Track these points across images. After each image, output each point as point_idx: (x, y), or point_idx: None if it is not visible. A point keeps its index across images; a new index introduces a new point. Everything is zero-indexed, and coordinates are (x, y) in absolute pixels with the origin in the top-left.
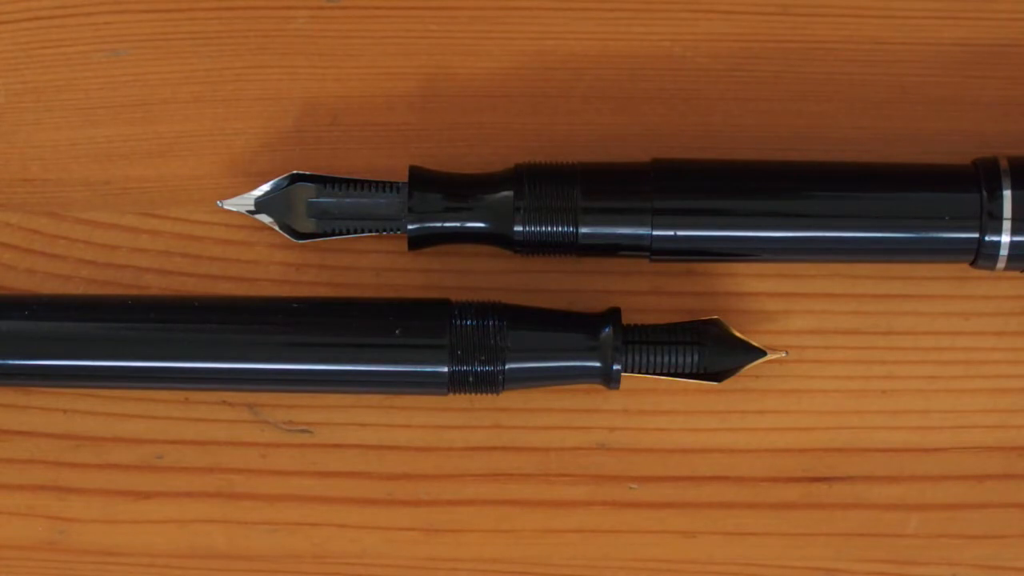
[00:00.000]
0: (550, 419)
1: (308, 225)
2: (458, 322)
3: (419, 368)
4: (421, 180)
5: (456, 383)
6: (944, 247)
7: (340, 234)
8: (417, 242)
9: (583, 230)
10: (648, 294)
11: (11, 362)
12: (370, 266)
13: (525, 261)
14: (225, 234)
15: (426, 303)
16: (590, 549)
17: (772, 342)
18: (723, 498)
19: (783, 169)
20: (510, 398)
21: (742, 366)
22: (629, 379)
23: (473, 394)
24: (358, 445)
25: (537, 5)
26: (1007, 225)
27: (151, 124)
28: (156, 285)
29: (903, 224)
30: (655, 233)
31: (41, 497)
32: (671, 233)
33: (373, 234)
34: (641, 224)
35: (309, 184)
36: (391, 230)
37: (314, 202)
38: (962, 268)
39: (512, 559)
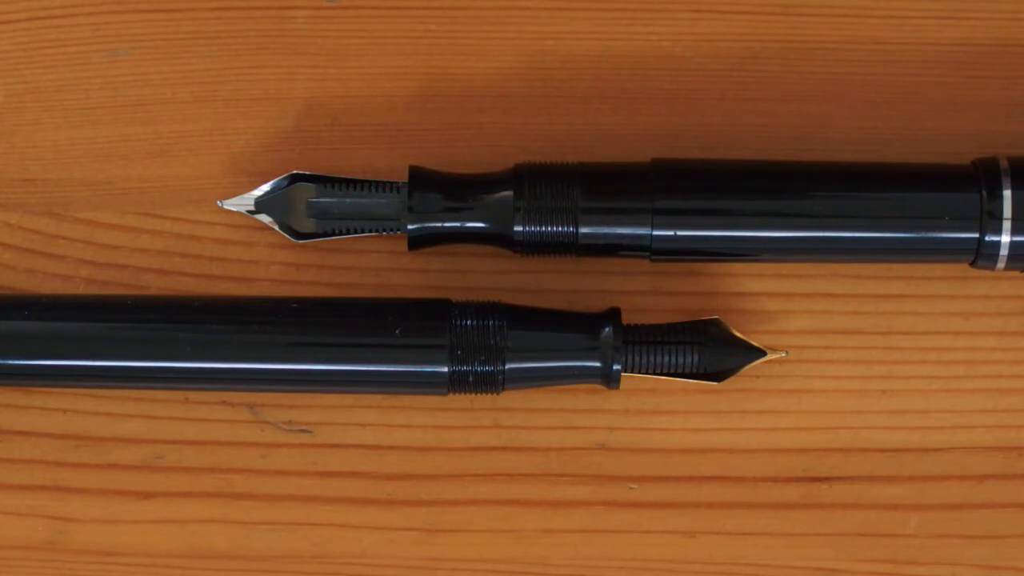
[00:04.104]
0: (550, 419)
1: (308, 225)
2: (458, 322)
3: (419, 368)
4: (421, 180)
5: (456, 383)
6: (944, 247)
7: (340, 234)
8: (417, 242)
9: (583, 230)
10: (648, 294)
11: (11, 362)
12: (370, 266)
13: (525, 261)
14: (225, 234)
15: (426, 303)
16: (590, 549)
17: (772, 342)
18: (723, 498)
19: (783, 169)
20: (510, 398)
21: (742, 366)
22: (629, 379)
23: (473, 394)
24: (358, 445)
25: (537, 5)
26: (1007, 225)
27: (151, 124)
28: (156, 285)
29: (903, 224)
30: (655, 233)
31: (41, 497)
32: (671, 233)
33: (373, 234)
34: (641, 224)
35: (309, 184)
36: (391, 230)
37: (314, 202)
38: (962, 268)
39: (512, 559)
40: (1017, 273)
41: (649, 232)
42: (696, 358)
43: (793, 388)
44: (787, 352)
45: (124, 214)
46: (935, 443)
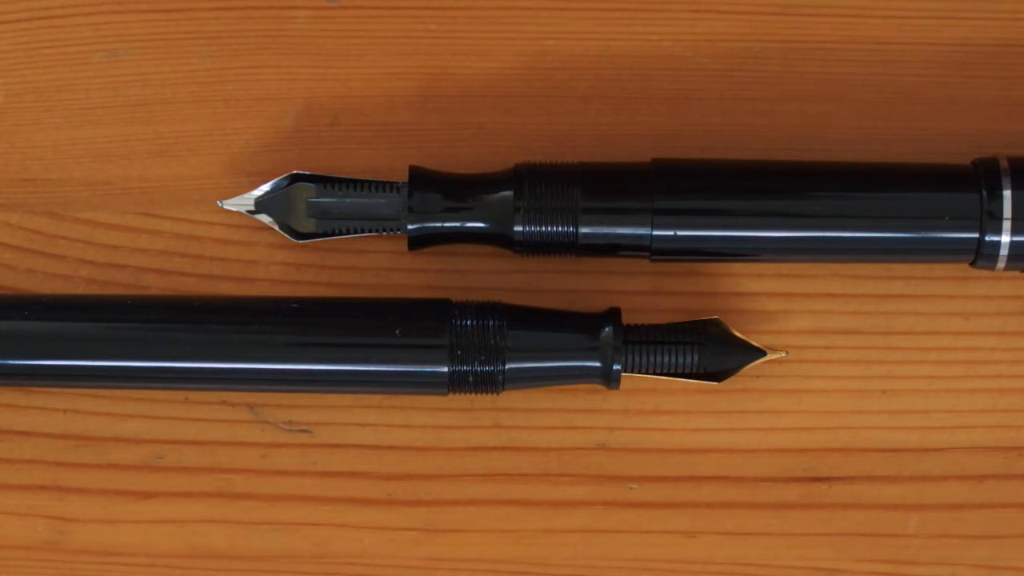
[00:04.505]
0: (550, 419)
1: (308, 225)
2: (458, 322)
3: (419, 368)
4: (421, 180)
5: (456, 383)
6: (944, 247)
7: (340, 234)
8: (417, 242)
9: (583, 230)
10: (648, 294)
11: (11, 362)
12: (370, 266)
13: (525, 261)
14: (225, 234)
15: (426, 303)
16: (590, 549)
17: (772, 342)
18: (723, 498)
19: (783, 169)
20: (510, 398)
21: (742, 366)
22: (629, 379)
23: (473, 394)
24: (358, 445)
25: (537, 5)
26: (1007, 225)
27: (151, 124)
28: (156, 285)
29: (903, 224)
30: (655, 233)
31: (41, 497)
32: (671, 233)
33: (373, 234)
34: (641, 224)
35: (309, 184)
36: (391, 230)
37: (314, 202)
38: (962, 268)
39: (512, 559)
40: (1017, 273)
41: (649, 232)
42: (696, 358)
43: (793, 388)
44: (787, 352)
45: (124, 214)
46: (935, 443)
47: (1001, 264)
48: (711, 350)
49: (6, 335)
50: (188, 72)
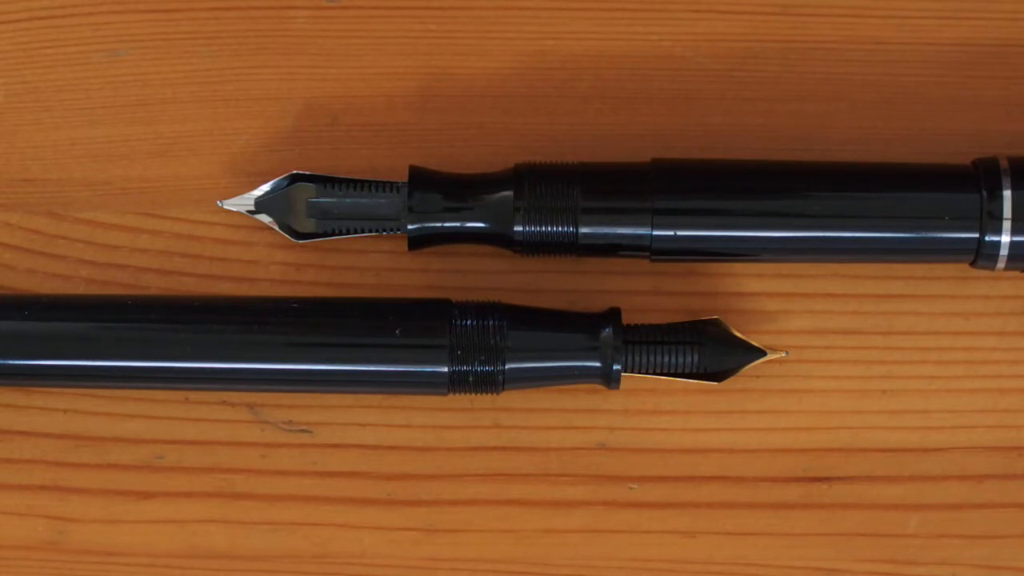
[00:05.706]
0: (550, 419)
1: (308, 225)
2: (458, 322)
3: (419, 368)
4: (421, 180)
5: (456, 383)
6: (944, 247)
7: (340, 234)
8: (417, 242)
9: (583, 230)
10: (648, 294)
11: (11, 362)
12: (370, 266)
13: (525, 261)
14: (225, 234)
15: (426, 303)
16: (590, 549)
17: (772, 342)
18: (723, 498)
19: (783, 169)
20: (510, 398)
21: (742, 366)
22: (629, 379)
23: (473, 394)
24: (358, 445)
25: (537, 5)
26: (1007, 225)
27: (151, 124)
28: (156, 285)
29: (903, 224)
30: (655, 233)
31: (41, 497)
32: (671, 233)
33: (373, 234)
34: (641, 224)
35: (309, 184)
36: (391, 230)
37: (314, 202)
38: (962, 268)
39: (512, 559)
40: (1017, 273)
41: (649, 232)
42: (696, 358)
43: (793, 388)
44: (787, 352)
45: (124, 214)
46: (935, 443)
47: (1001, 264)
48: (711, 350)
49: (6, 335)
50: (188, 72)
